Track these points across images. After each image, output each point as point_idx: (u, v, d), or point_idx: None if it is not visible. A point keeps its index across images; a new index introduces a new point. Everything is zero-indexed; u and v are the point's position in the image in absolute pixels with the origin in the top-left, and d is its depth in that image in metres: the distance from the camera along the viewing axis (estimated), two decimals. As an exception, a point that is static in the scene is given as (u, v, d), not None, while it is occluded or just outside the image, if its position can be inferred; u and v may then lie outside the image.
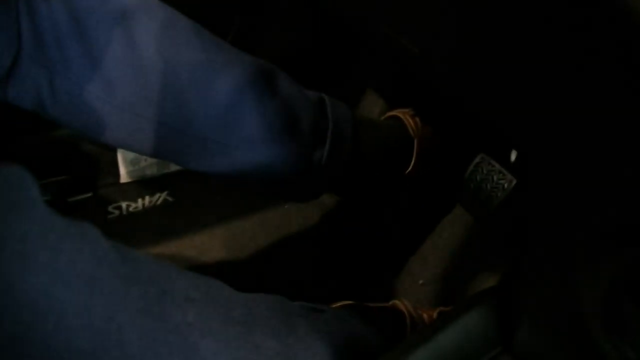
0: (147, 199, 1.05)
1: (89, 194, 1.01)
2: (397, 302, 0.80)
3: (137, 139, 0.74)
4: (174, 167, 1.06)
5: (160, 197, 1.05)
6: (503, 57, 0.55)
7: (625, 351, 0.43)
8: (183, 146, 0.75)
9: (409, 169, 0.93)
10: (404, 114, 0.94)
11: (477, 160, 0.88)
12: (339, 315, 0.68)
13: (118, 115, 0.71)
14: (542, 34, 0.48)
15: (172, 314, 0.42)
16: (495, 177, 0.86)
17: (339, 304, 0.77)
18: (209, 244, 1.02)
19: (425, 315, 0.79)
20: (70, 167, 0.99)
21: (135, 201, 1.03)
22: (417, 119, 0.94)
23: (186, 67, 0.73)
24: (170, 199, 1.05)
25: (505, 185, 0.85)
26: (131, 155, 1.04)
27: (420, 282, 0.95)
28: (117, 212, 1.02)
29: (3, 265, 0.34)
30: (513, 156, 0.87)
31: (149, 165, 1.05)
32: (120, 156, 1.04)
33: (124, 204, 1.02)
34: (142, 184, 1.05)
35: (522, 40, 0.50)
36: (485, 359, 0.51)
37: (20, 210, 0.36)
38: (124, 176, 1.04)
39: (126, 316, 0.39)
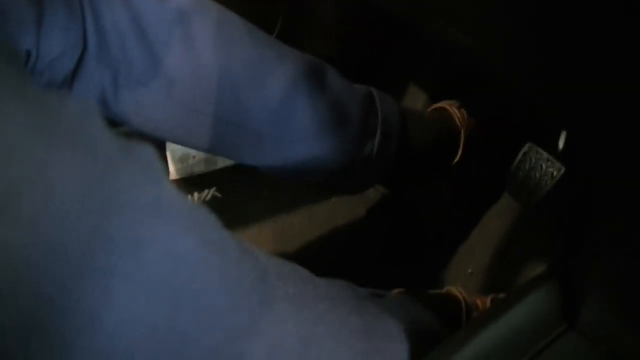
0: (196, 195, 1.07)
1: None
2: (452, 288, 0.81)
3: (196, 135, 0.76)
4: (221, 164, 1.08)
5: (209, 194, 1.08)
6: (557, 37, 0.55)
7: None
8: (240, 141, 0.78)
9: (457, 160, 0.94)
10: (450, 106, 0.95)
11: (525, 149, 0.89)
12: (400, 301, 0.70)
13: (179, 112, 0.74)
14: (596, 16, 0.49)
15: (278, 286, 0.45)
16: (544, 166, 0.86)
17: (394, 291, 0.79)
18: (258, 239, 1.04)
19: (479, 302, 0.80)
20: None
21: (186, 198, 1.05)
22: (464, 111, 0.95)
23: (241, 64, 0.75)
24: (218, 195, 1.08)
25: (555, 174, 0.85)
26: (180, 153, 1.06)
27: (469, 271, 0.96)
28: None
29: (147, 227, 0.36)
30: (561, 144, 0.87)
31: (197, 163, 1.07)
32: (169, 154, 1.06)
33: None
34: (191, 181, 1.07)
35: (576, 22, 0.51)
36: (551, 338, 0.53)
37: (158, 179, 0.38)
38: (173, 174, 1.07)
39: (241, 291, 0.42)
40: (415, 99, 1.07)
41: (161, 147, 1.05)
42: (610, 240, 0.53)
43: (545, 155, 0.87)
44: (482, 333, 0.52)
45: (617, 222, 0.53)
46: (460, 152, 0.94)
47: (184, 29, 0.72)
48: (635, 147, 0.52)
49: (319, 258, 1.03)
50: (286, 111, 0.77)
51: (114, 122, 0.80)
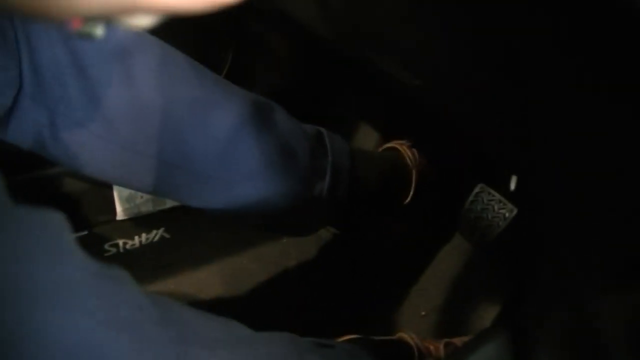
0: (143, 236, 1.04)
1: (85, 232, 1.00)
2: (403, 334, 0.79)
3: (139, 177, 0.74)
4: (169, 204, 1.05)
5: (157, 234, 1.04)
6: (506, 84, 0.55)
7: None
8: (184, 183, 0.75)
9: (408, 199, 0.93)
10: (401, 145, 0.94)
11: (476, 190, 0.88)
12: (348, 350, 0.67)
13: (119, 153, 0.71)
14: (544, 62, 0.48)
15: (205, 357, 0.42)
16: (496, 207, 0.86)
17: (344, 338, 0.76)
18: (207, 280, 1.01)
19: (431, 347, 0.79)
20: (65, 205, 0.98)
21: (132, 238, 1.02)
22: (415, 150, 0.94)
23: (185, 104, 0.73)
24: (166, 235, 1.05)
25: (507, 215, 0.85)
26: (127, 192, 1.03)
27: (422, 313, 0.95)
28: (114, 249, 1.01)
29: (47, 312, 0.33)
30: (513, 185, 0.87)
31: (145, 202, 1.04)
32: (115, 193, 1.03)
33: (120, 242, 1.01)
34: (138, 221, 1.04)
35: (525, 67, 0.51)
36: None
37: (61, 255, 0.35)
38: (120, 213, 1.03)
39: None
40: (366, 138, 1.06)
41: (107, 186, 1.02)
42: (558, 289, 0.52)
43: (497, 196, 0.86)
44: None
45: (565, 269, 0.52)
46: (411, 192, 0.93)
47: (124, 67, 0.69)
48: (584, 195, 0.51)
49: (269, 300, 1.01)
50: (232, 152, 0.75)
51: (46, 162, 0.78)
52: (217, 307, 0.99)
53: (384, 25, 0.60)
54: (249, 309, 0.98)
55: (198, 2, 0.24)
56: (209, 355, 0.42)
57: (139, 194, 1.03)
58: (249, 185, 0.77)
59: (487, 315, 0.91)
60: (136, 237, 1.03)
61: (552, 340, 0.51)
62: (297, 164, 0.79)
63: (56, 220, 0.36)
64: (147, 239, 1.03)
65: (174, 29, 0.70)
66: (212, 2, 0.25)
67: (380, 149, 0.99)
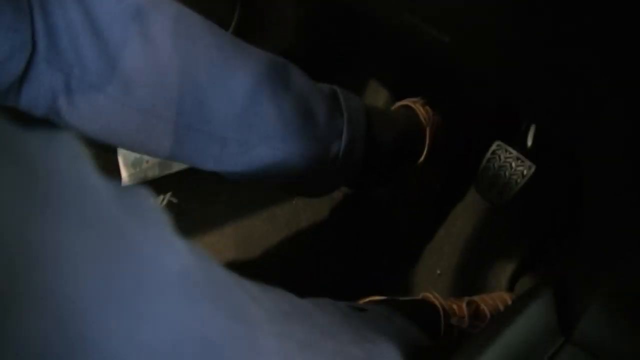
0: (150, 201, 1.02)
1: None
2: (428, 294, 0.79)
3: (156, 142, 0.71)
4: (176, 168, 1.03)
5: (164, 199, 1.02)
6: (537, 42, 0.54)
7: None
8: (203, 146, 0.73)
9: (422, 159, 0.92)
10: (414, 103, 0.93)
11: (493, 147, 0.87)
12: (381, 312, 0.67)
13: (137, 117, 0.69)
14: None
15: (263, 321, 0.41)
16: (513, 164, 0.85)
17: (368, 299, 0.76)
18: (219, 245, 1.00)
19: (455, 307, 0.78)
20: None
21: (139, 204, 1.00)
22: (428, 108, 0.93)
23: (202, 65, 0.70)
24: (174, 200, 1.03)
25: (525, 172, 0.84)
26: (132, 157, 1.00)
27: (438, 272, 0.94)
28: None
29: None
30: (530, 141, 0.86)
31: (151, 167, 1.02)
32: (120, 158, 1.01)
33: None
34: (145, 186, 1.02)
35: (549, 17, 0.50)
36: (550, 352, 0.51)
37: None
38: (125, 179, 1.01)
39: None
40: (378, 95, 1.04)
41: (112, 151, 0.99)
42: (606, 251, 0.52)
43: (515, 153, 0.85)
44: (486, 351, 0.50)
45: (614, 229, 0.51)
46: (425, 151, 0.91)
47: (141, 27, 0.67)
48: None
49: (283, 262, 1.00)
50: (250, 113, 0.73)
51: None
52: (231, 270, 0.98)
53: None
54: (264, 271, 0.97)
55: None
56: (289, 333, 0.42)
57: (145, 158, 1.01)
58: (267, 146, 0.75)
59: (503, 273, 0.91)
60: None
61: (599, 302, 0.51)
62: (315, 124, 0.78)
63: (154, 203, 0.34)
64: (154, 204, 1.01)
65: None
66: None
67: (393, 107, 0.97)
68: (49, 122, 0.69)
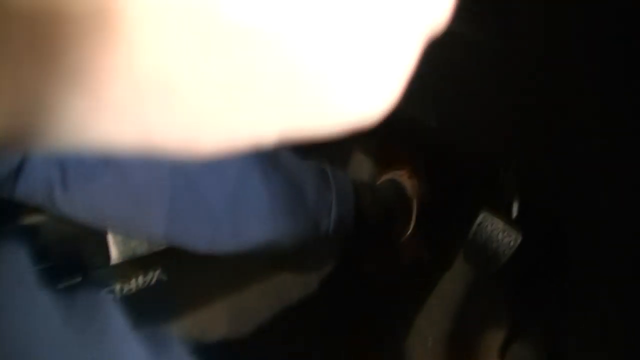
0: (140, 279, 1.02)
1: (79, 278, 0.97)
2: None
3: (149, 225, 0.72)
4: (165, 245, 1.03)
5: (154, 277, 1.02)
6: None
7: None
8: (195, 229, 0.74)
9: (409, 230, 0.93)
10: (400, 176, 0.95)
11: (479, 220, 0.89)
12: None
13: (132, 203, 0.70)
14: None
15: None
16: (500, 235, 0.87)
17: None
18: (211, 321, 0.99)
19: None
20: (58, 251, 0.96)
21: (129, 282, 1.00)
22: (414, 180, 0.95)
23: None
24: (164, 277, 1.03)
25: (512, 243, 0.86)
26: (121, 235, 1.01)
27: (430, 341, 0.95)
28: (110, 295, 0.99)
29: None
30: (515, 212, 0.88)
31: (140, 244, 1.02)
32: (110, 237, 1.01)
33: (117, 286, 0.99)
34: (134, 264, 1.02)
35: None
36: None
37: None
38: (115, 257, 1.01)
39: None
40: (362, 168, 1.06)
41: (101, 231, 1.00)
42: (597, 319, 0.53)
43: (501, 224, 0.87)
44: None
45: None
46: (413, 222, 0.93)
47: None
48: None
49: (273, 337, 1.00)
50: (240, 194, 0.74)
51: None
52: (224, 348, 0.97)
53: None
54: (257, 347, 0.97)
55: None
56: None
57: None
58: (257, 226, 0.76)
59: (494, 341, 0.92)
60: (133, 281, 1.01)
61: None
62: (305, 202, 0.79)
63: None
64: (144, 282, 1.01)
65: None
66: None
67: (379, 181, 0.99)
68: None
